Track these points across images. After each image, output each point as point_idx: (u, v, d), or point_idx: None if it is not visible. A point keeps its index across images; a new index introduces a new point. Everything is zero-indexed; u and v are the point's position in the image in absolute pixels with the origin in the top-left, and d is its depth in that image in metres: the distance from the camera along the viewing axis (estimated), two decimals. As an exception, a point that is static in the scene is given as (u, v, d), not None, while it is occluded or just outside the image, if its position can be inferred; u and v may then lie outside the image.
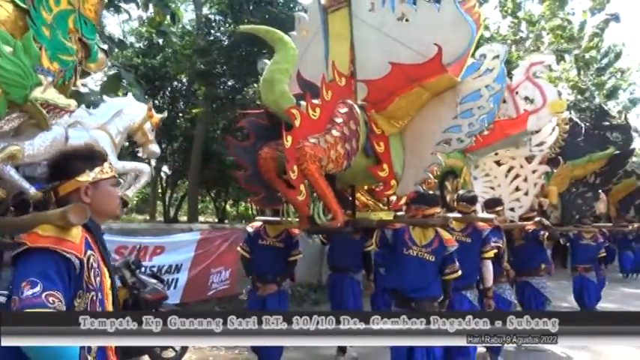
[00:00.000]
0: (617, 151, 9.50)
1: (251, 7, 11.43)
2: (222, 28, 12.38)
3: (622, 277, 13.96)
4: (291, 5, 11.78)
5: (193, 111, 13.43)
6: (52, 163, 1.90)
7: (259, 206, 5.30)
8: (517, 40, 17.63)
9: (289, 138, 3.80)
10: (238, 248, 5.33)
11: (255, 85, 9.97)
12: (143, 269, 4.84)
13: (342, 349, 5.75)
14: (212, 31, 12.54)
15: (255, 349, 5.00)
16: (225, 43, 11.80)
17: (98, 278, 1.71)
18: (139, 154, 5.26)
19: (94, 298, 1.68)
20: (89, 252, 1.69)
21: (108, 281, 1.80)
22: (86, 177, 1.80)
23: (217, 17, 12.67)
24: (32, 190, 2.94)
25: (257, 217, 5.64)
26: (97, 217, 1.84)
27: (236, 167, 9.24)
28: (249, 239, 5.23)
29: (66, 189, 1.80)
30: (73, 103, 2.84)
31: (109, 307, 1.77)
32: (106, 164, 1.88)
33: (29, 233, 1.64)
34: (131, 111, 4.51)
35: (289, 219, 4.54)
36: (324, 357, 5.77)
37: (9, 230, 2.43)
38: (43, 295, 1.47)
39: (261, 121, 4.40)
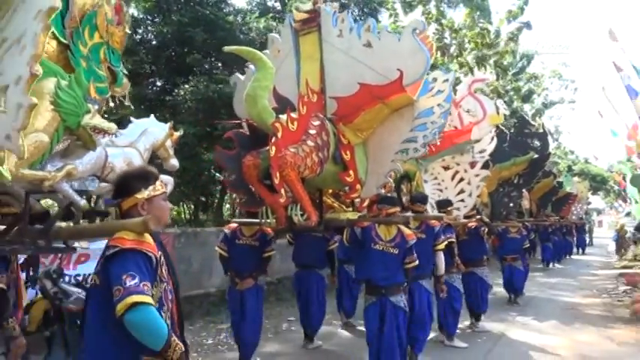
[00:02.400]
0: (537, 156, 10.34)
1: (180, 7, 10.67)
2: (150, 28, 11.46)
3: (543, 267, 14.85)
4: (221, 6, 11.06)
5: (121, 112, 12.73)
6: (116, 183, 2.15)
7: (242, 208, 5.46)
8: (441, 46, 18.11)
9: (273, 148, 4.06)
10: (216, 248, 5.46)
11: (186, 85, 9.41)
12: (67, 278, 4.60)
13: (309, 337, 5.96)
14: (139, 31, 11.42)
15: (236, 338, 5.19)
16: (154, 43, 10.94)
17: (165, 272, 1.98)
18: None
19: (165, 287, 1.97)
20: (159, 252, 1.96)
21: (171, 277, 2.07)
22: (142, 194, 2.05)
23: (145, 16, 11.70)
24: (82, 202, 3.15)
25: (233, 220, 5.81)
26: (153, 226, 2.07)
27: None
28: (226, 239, 5.36)
29: (127, 204, 2.05)
30: (114, 126, 3.08)
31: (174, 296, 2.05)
32: (157, 182, 2.11)
33: (115, 238, 1.90)
34: (154, 130, 4.74)
35: (267, 220, 4.78)
36: (299, 346, 5.98)
37: (82, 236, 2.71)
38: (141, 285, 1.76)
39: (244, 132, 4.61)
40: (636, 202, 19.27)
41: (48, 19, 2.02)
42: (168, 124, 4.98)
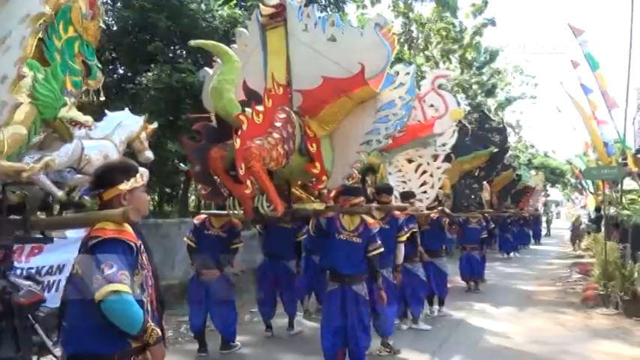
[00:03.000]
0: (496, 149, 10.71)
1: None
2: (110, 12, 10.67)
3: (501, 257, 15.31)
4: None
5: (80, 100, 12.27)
6: (98, 174, 2.19)
7: (207, 199, 5.50)
8: (408, 39, 18.31)
9: (238, 140, 4.11)
10: (185, 238, 5.48)
11: (149, 74, 9.04)
12: (18, 271, 4.41)
13: (268, 326, 6.06)
14: (99, 16, 11.06)
15: (193, 329, 5.29)
16: (114, 29, 10.28)
17: (145, 259, 2.09)
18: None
19: (145, 274, 2.07)
20: (139, 240, 2.06)
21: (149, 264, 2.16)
22: (124, 186, 2.11)
23: (105, 1, 10.82)
24: (60, 193, 3.16)
25: (202, 211, 5.84)
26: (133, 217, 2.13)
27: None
28: (195, 230, 5.40)
29: (109, 195, 2.11)
30: (90, 119, 3.10)
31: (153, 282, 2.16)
32: (138, 175, 2.17)
33: (97, 229, 1.97)
34: (129, 122, 4.80)
35: (235, 211, 4.83)
36: (262, 335, 6.06)
37: (63, 226, 2.90)
38: (119, 273, 1.85)
39: (211, 124, 4.64)
40: (591, 193, 20.17)
41: (36, 23, 2.06)
42: (143, 117, 5.04)
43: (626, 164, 8.32)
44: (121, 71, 10.82)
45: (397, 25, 18.63)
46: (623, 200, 9.71)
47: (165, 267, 7.44)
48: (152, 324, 1.94)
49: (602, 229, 16.12)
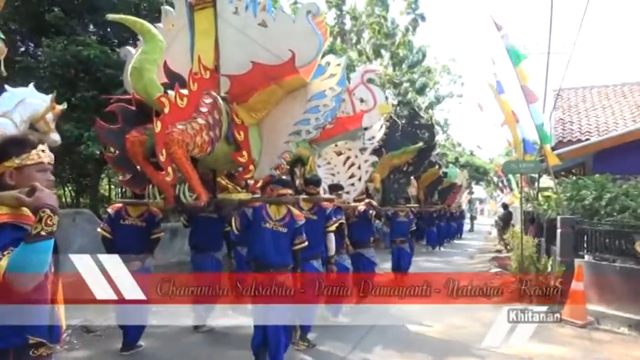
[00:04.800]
0: (424, 145, 11.07)
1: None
2: None
3: (427, 251, 15.64)
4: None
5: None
6: None
7: (127, 187, 5.18)
8: (341, 32, 18.39)
9: (159, 124, 3.90)
10: (99, 229, 5.12)
11: (46, 48, 8.11)
12: None
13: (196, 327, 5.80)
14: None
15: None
16: None
17: None
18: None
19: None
20: None
21: None
22: (11, 163, 1.87)
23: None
24: None
25: (118, 199, 5.50)
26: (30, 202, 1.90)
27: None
28: (109, 220, 5.06)
29: None
30: None
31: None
32: (34, 151, 1.92)
33: None
34: (34, 101, 4.41)
35: (155, 200, 4.60)
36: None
37: None
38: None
39: (130, 107, 4.37)
40: (512, 191, 21.44)
41: None
42: (51, 96, 4.67)
43: (542, 161, 8.85)
44: (19, 44, 9.64)
45: (330, 18, 18.71)
46: (539, 197, 10.38)
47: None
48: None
49: (512, 224, 17.24)
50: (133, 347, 4.96)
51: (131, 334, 4.96)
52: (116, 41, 8.98)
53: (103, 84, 7.82)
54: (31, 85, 4.79)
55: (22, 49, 9.27)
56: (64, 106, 5.10)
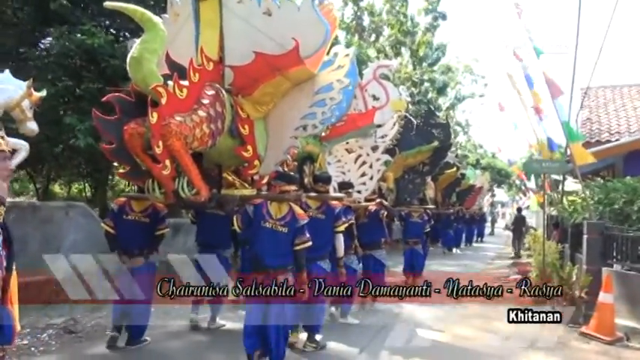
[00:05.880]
0: (439, 145, 10.75)
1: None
2: None
3: (444, 253, 15.27)
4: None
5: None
6: None
7: (125, 179, 5.07)
8: (358, 29, 17.99)
9: (155, 114, 3.75)
10: (102, 224, 5.04)
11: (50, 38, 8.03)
12: None
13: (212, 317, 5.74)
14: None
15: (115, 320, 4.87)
16: None
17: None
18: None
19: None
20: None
21: None
22: None
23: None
24: None
25: (122, 194, 5.39)
26: None
27: (47, 141, 7.88)
28: (113, 215, 4.96)
29: None
30: None
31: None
32: None
33: None
34: (8, 87, 4.27)
35: (155, 194, 4.46)
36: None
37: None
38: None
39: (128, 97, 4.24)
40: (534, 192, 20.86)
41: None
42: (27, 82, 4.50)
43: (569, 161, 8.32)
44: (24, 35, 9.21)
45: (347, 14, 18.31)
46: (564, 200, 9.89)
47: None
48: None
49: (524, 229, 16.61)
50: (139, 342, 4.87)
51: (135, 329, 4.86)
52: (127, 34, 8.80)
53: (109, 75, 7.64)
54: (7, 70, 4.63)
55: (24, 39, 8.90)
56: (43, 93, 4.92)
